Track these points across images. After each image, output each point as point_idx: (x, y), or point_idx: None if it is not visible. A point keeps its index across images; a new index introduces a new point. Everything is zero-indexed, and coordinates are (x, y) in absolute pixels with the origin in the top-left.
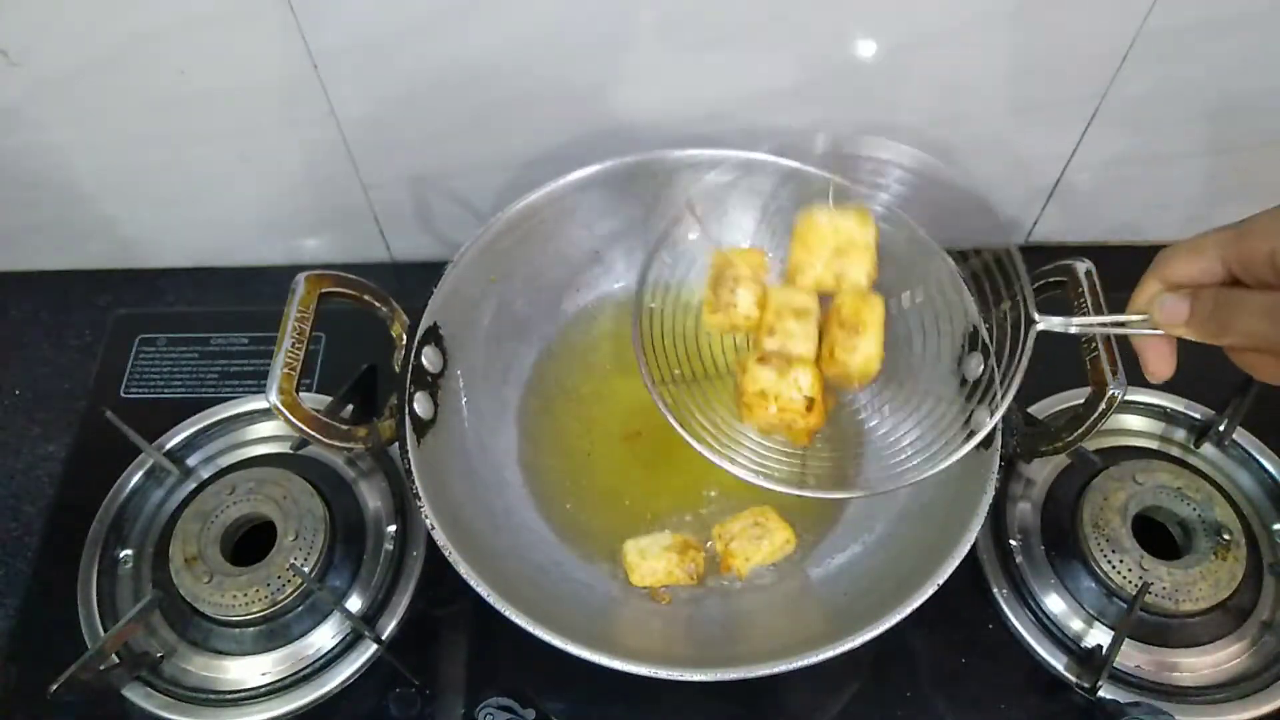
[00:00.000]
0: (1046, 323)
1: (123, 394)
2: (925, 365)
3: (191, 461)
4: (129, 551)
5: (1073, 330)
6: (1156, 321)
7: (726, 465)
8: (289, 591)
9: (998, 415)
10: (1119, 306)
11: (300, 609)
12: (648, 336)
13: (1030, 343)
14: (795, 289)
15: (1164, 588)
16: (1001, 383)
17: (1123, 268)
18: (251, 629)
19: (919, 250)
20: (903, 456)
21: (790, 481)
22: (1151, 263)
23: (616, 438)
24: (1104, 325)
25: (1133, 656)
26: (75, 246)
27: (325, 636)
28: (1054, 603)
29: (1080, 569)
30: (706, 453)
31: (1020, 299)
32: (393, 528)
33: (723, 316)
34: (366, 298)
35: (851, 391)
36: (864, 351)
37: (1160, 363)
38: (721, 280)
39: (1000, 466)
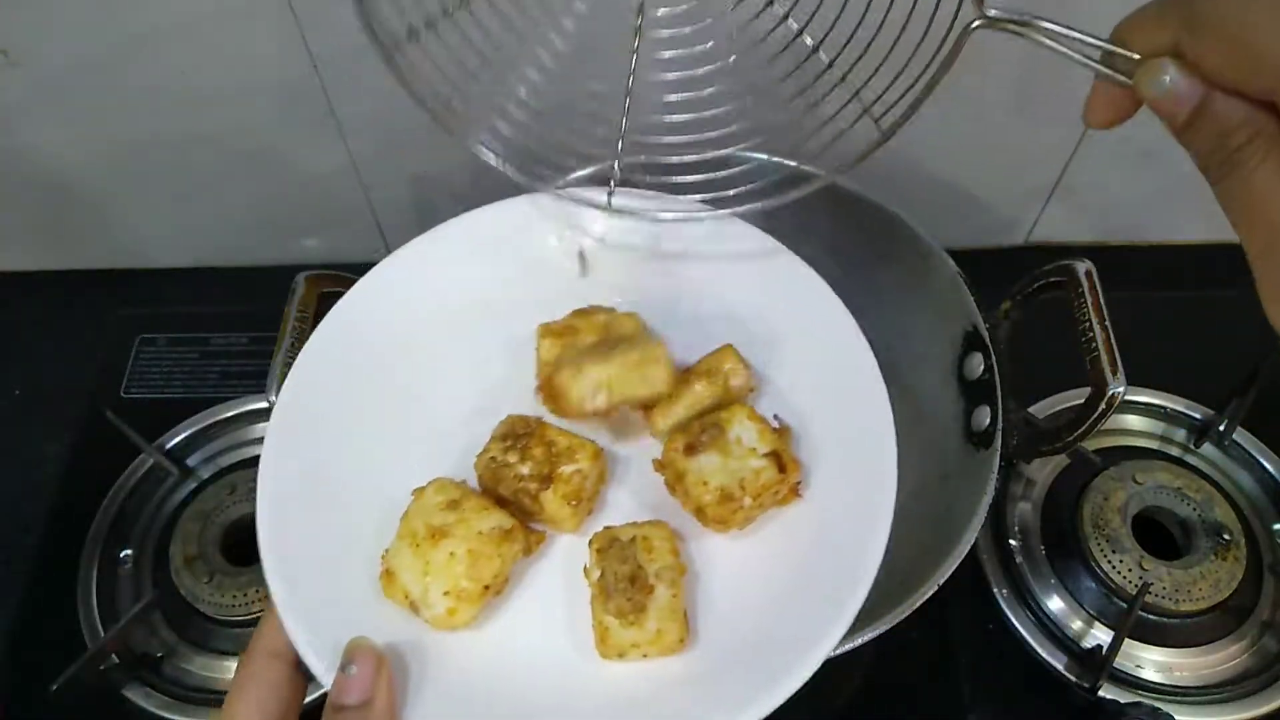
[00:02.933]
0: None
1: (123, 394)
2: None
3: (191, 461)
4: (129, 551)
5: (1046, 42)
6: (1145, 92)
7: None
8: None
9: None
10: (1118, 307)
11: None
12: None
13: (965, 35)
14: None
15: (1164, 588)
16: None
17: (1123, 268)
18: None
19: (919, 250)
20: None
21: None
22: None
23: None
24: (1073, 48)
25: (1133, 656)
26: (75, 246)
27: None
28: (1054, 603)
29: (1080, 569)
30: None
31: None
32: None
33: None
34: None
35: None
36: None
37: (1108, 110)
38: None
39: (1000, 466)
